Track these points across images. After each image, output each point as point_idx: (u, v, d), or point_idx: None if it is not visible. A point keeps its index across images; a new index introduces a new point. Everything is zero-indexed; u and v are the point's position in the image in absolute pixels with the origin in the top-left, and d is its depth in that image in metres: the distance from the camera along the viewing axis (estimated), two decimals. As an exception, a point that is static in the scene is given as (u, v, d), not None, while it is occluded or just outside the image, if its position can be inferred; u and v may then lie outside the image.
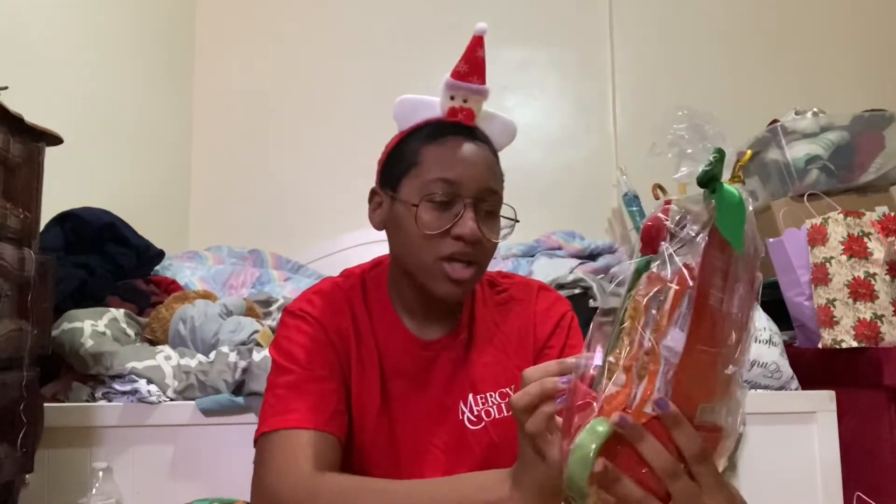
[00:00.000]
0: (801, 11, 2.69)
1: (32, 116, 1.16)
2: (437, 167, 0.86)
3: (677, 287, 0.50)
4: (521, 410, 0.60)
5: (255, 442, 0.83)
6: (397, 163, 0.90)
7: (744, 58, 2.64)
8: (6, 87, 1.17)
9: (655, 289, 0.51)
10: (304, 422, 0.81)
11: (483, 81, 0.90)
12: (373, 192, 0.94)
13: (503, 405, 0.92)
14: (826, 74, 2.60)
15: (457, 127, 0.90)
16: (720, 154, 0.54)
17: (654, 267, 0.51)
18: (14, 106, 1.12)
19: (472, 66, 0.90)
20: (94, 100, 1.98)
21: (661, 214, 0.55)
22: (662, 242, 0.52)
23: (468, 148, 0.88)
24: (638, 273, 0.53)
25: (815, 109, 2.04)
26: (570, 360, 0.59)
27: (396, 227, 0.89)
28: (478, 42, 0.90)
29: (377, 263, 1.00)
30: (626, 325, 0.51)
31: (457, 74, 0.90)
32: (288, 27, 2.66)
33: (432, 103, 0.93)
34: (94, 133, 1.96)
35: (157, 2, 2.44)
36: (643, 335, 0.50)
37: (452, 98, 0.91)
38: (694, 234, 0.52)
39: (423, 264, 0.86)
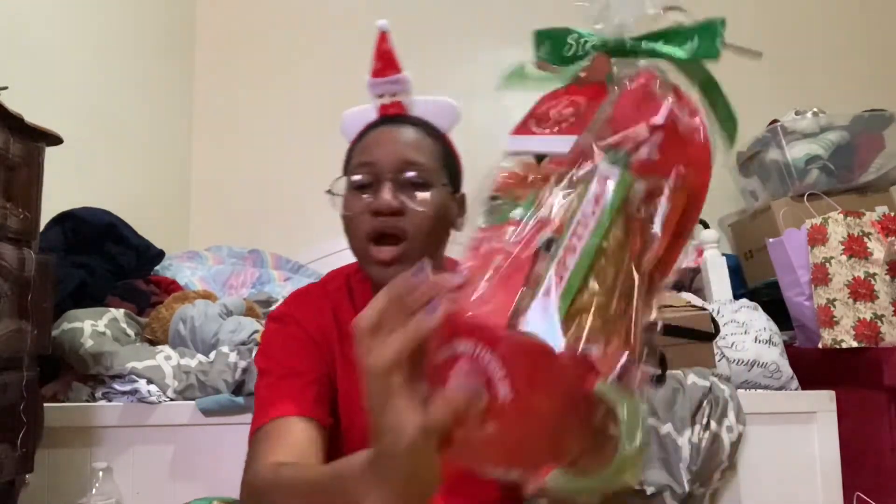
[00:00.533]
0: (801, 11, 2.68)
1: (32, 116, 1.16)
2: (357, 156, 0.90)
3: (674, 201, 0.41)
4: (367, 333, 0.42)
5: (248, 445, 0.84)
6: (343, 171, 0.93)
7: (744, 58, 2.64)
8: (6, 87, 1.17)
9: (654, 206, 0.41)
10: (282, 411, 0.82)
11: (399, 71, 0.94)
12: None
13: None
14: (826, 74, 2.60)
15: (382, 120, 0.94)
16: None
17: (640, 180, 0.40)
18: (14, 106, 1.12)
19: (384, 62, 0.93)
20: (95, 100, 1.98)
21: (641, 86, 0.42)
22: (647, 129, 0.41)
23: (385, 130, 0.91)
24: (624, 184, 0.40)
25: (815, 109, 2.04)
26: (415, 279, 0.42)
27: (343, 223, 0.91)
28: (382, 38, 0.93)
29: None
30: (604, 251, 0.39)
31: (374, 73, 0.94)
32: (288, 27, 2.66)
33: (370, 109, 0.96)
34: (94, 133, 1.96)
35: (158, 1, 2.44)
36: (638, 269, 0.40)
37: (381, 97, 0.95)
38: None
39: (357, 251, 0.89)
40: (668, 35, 0.44)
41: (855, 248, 1.55)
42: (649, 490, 1.28)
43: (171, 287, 1.79)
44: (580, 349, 0.37)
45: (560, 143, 0.41)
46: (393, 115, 0.94)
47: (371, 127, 0.93)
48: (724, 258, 1.91)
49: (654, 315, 0.41)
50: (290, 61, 2.63)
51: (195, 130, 2.61)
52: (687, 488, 1.30)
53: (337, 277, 0.99)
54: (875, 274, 1.53)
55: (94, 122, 1.97)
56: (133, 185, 2.14)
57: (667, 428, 1.32)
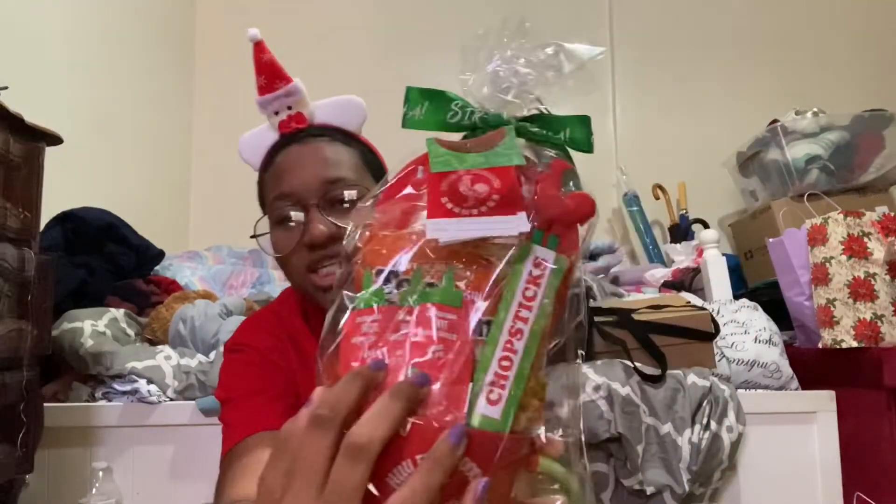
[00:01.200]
0: (801, 11, 2.69)
1: (32, 116, 1.16)
2: (272, 188, 0.85)
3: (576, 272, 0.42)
4: (372, 459, 0.36)
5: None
6: (261, 205, 0.90)
7: (744, 58, 2.64)
8: (6, 87, 1.17)
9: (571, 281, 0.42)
10: (248, 430, 0.79)
11: (288, 80, 0.88)
12: None
13: None
14: (826, 74, 2.60)
15: (287, 139, 0.87)
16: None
17: (566, 259, 0.41)
18: (14, 106, 1.12)
19: (268, 74, 0.87)
20: (95, 100, 1.98)
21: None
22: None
23: (293, 154, 0.85)
24: (562, 268, 0.41)
25: (815, 109, 2.04)
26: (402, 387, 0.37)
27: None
28: (258, 49, 0.88)
29: None
30: (543, 333, 0.40)
31: (261, 90, 0.87)
32: (288, 27, 2.66)
33: (267, 128, 0.91)
34: (94, 133, 1.96)
35: (158, 1, 2.44)
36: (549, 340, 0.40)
37: (277, 113, 0.88)
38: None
39: (299, 286, 0.86)
40: (552, 123, 0.46)
41: (855, 248, 1.55)
42: (649, 490, 1.28)
43: (171, 287, 1.79)
44: (527, 433, 0.38)
45: (498, 226, 0.39)
46: (296, 132, 0.88)
47: (276, 150, 0.87)
48: (724, 258, 1.91)
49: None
50: (290, 61, 2.63)
51: (195, 130, 2.61)
52: (687, 488, 1.30)
53: (287, 300, 0.97)
54: (875, 274, 1.53)
55: (94, 122, 1.97)
56: (133, 185, 2.14)
57: (667, 428, 1.32)
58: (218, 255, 2.17)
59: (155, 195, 2.29)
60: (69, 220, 1.63)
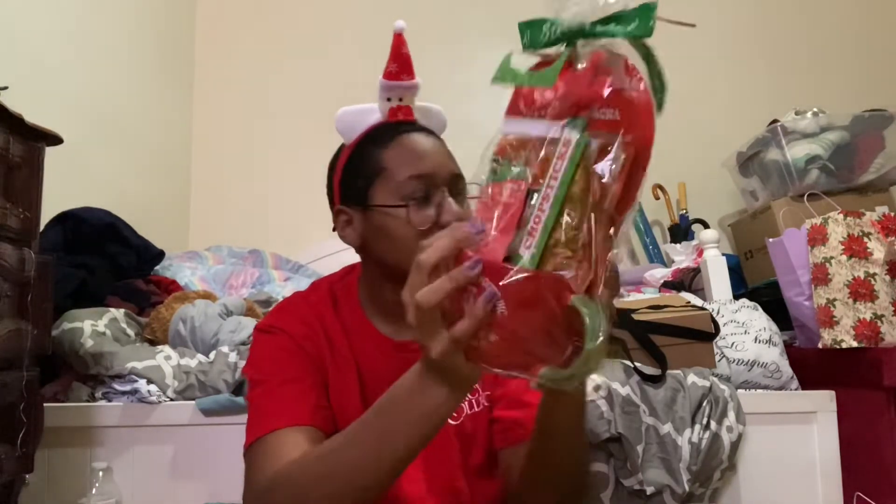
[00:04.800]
0: (801, 11, 2.68)
1: (32, 116, 1.16)
2: (405, 167, 0.87)
3: (625, 153, 0.51)
4: (428, 269, 0.53)
5: (244, 457, 0.83)
6: (359, 175, 0.90)
7: (744, 58, 2.64)
8: (6, 87, 1.17)
9: (608, 158, 0.51)
10: (282, 423, 0.80)
11: (413, 76, 0.93)
12: (338, 212, 0.94)
13: (474, 400, 0.94)
14: (826, 74, 2.60)
15: (403, 125, 0.92)
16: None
17: (594, 139, 0.51)
18: (14, 106, 1.12)
19: (400, 65, 0.92)
20: (95, 100, 1.98)
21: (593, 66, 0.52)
22: (601, 107, 0.51)
23: (424, 140, 0.90)
24: (581, 144, 0.51)
25: (815, 109, 2.04)
26: (461, 229, 0.54)
27: (379, 236, 0.89)
28: (400, 40, 0.92)
29: (346, 273, 1.00)
30: (570, 197, 0.50)
31: (389, 75, 0.92)
32: (288, 27, 2.66)
33: (372, 109, 0.95)
34: (94, 133, 1.96)
35: (158, 1, 2.44)
36: (599, 210, 0.50)
37: (389, 99, 0.93)
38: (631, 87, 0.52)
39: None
40: (617, 18, 0.53)
41: (855, 248, 1.55)
42: (649, 490, 1.28)
43: (171, 287, 1.79)
44: (557, 273, 0.49)
45: (544, 127, 0.52)
46: (413, 123, 0.93)
47: (398, 131, 0.91)
48: (724, 258, 1.91)
49: (616, 243, 0.53)
50: (291, 61, 2.63)
51: (195, 130, 2.61)
52: (687, 488, 1.30)
53: (319, 288, 0.98)
54: (875, 274, 1.53)
55: (94, 122, 1.97)
56: (133, 185, 2.15)
57: (667, 428, 1.32)
58: (218, 255, 2.17)
59: (155, 195, 2.29)
60: (69, 220, 1.63)
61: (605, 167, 0.50)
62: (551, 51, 0.55)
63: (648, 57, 0.54)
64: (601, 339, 0.48)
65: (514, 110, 0.55)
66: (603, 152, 0.51)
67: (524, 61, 0.56)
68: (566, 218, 0.50)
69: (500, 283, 0.50)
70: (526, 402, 0.89)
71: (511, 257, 0.51)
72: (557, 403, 0.73)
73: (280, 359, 0.89)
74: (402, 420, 0.62)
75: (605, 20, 0.53)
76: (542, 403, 0.74)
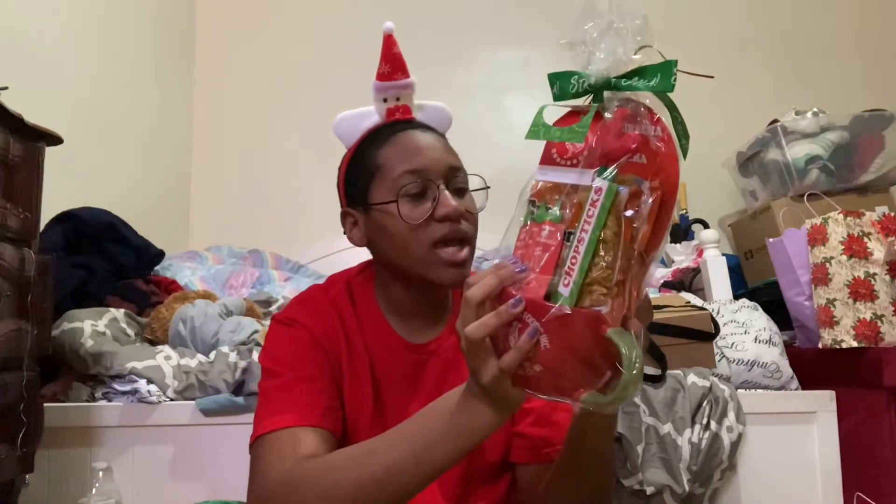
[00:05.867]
0: (801, 12, 2.69)
1: (32, 116, 1.16)
2: (399, 163, 0.88)
3: (653, 198, 0.56)
4: (476, 305, 0.59)
5: (251, 448, 0.83)
6: (358, 177, 0.91)
7: (744, 58, 2.64)
8: (6, 87, 1.17)
9: (637, 203, 0.55)
10: (294, 420, 0.80)
11: (407, 75, 0.93)
12: (344, 214, 0.95)
13: None
14: (826, 74, 2.60)
15: (399, 124, 0.93)
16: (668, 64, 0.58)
17: (624, 187, 0.55)
18: (14, 106, 1.12)
19: (392, 65, 0.93)
20: (95, 100, 1.98)
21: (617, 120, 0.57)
22: (633, 156, 0.56)
23: (420, 136, 0.90)
24: (612, 192, 0.56)
25: (815, 109, 2.04)
26: (506, 268, 0.59)
27: (380, 234, 0.89)
28: (390, 41, 0.93)
29: (363, 268, 0.99)
30: (604, 240, 0.55)
31: (382, 76, 0.93)
32: (288, 28, 2.66)
33: (369, 112, 0.95)
34: (94, 133, 1.96)
35: (158, 1, 2.44)
36: (630, 250, 0.55)
37: (385, 101, 0.94)
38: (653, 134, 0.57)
39: (418, 258, 0.86)
40: (640, 72, 0.58)
41: (855, 248, 1.55)
42: (649, 490, 1.28)
43: (171, 287, 1.79)
44: (594, 309, 0.54)
45: (576, 176, 0.57)
46: (410, 121, 0.94)
47: (394, 130, 0.91)
48: (724, 258, 1.91)
49: (645, 281, 0.59)
50: (290, 61, 2.63)
51: (195, 130, 2.61)
52: (687, 488, 1.30)
53: (337, 283, 0.97)
54: (875, 274, 1.53)
55: (94, 122, 1.97)
56: (133, 185, 2.15)
57: (667, 428, 1.32)
58: (218, 255, 2.17)
59: (155, 195, 2.29)
60: (69, 220, 1.63)
61: (634, 212, 0.55)
62: (579, 101, 0.61)
63: (671, 107, 0.59)
64: (637, 367, 0.52)
65: (547, 159, 0.60)
66: (633, 197, 0.56)
67: (554, 112, 0.62)
68: (600, 259, 0.55)
69: (543, 320, 0.55)
70: (554, 422, 0.89)
71: (551, 295, 0.56)
72: (590, 422, 0.76)
73: (298, 353, 0.88)
74: (444, 433, 0.65)
75: (630, 74, 0.58)
76: (576, 422, 0.78)
